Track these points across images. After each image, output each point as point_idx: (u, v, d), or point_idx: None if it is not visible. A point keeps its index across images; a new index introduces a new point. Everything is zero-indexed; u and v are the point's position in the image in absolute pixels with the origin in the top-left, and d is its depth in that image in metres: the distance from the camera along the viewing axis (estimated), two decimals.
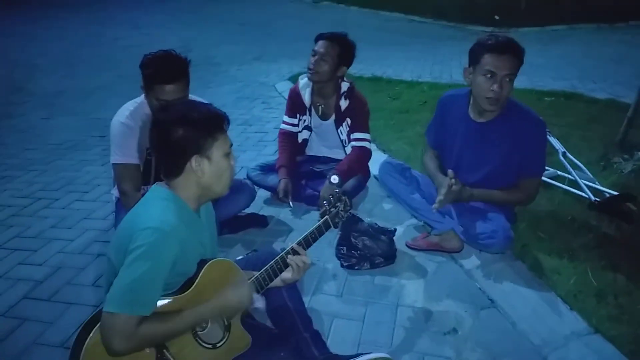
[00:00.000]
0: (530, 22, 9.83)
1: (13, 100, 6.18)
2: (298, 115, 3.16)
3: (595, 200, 2.72)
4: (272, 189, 3.10)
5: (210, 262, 1.65)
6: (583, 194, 2.85)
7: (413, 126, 4.30)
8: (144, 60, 2.33)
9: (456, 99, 2.50)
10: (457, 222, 2.54)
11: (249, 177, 3.15)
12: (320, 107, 3.10)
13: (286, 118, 3.21)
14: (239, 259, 2.08)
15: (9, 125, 5.26)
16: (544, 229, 2.69)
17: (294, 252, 1.83)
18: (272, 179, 3.10)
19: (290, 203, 2.98)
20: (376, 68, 6.76)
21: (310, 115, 3.13)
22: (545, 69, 6.37)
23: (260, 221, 2.95)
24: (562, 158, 3.18)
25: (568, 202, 2.94)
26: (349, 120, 3.05)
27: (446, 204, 2.37)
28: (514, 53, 2.17)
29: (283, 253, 1.83)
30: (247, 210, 2.97)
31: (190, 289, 1.59)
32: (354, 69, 6.58)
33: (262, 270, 1.79)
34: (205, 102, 1.70)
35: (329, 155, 3.24)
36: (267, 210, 3.13)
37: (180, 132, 1.53)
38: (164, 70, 2.28)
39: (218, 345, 1.68)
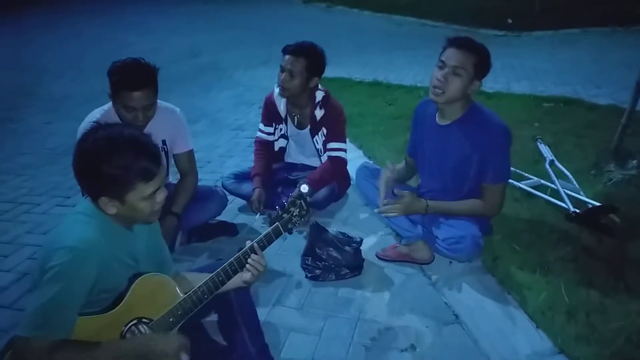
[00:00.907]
0: (544, 26, 9.60)
1: (18, 104, 6.28)
2: (274, 124, 3.11)
3: (574, 211, 2.60)
4: (247, 198, 3.05)
5: (141, 277, 1.61)
6: (564, 205, 2.73)
7: (403, 133, 4.20)
8: (112, 68, 2.35)
9: (428, 105, 2.44)
10: (427, 231, 2.46)
11: (223, 186, 3.11)
12: (295, 116, 3.05)
13: (262, 126, 3.16)
14: (199, 267, 2.04)
15: (10, 129, 5.34)
16: (520, 241, 2.58)
17: (253, 252, 1.77)
18: (246, 187, 3.05)
19: (259, 214, 2.93)
20: (379, 72, 6.68)
21: (286, 124, 3.09)
22: (549, 74, 6.19)
23: (230, 230, 2.91)
24: (547, 166, 3.07)
25: (549, 212, 2.83)
26: (324, 130, 2.99)
27: (401, 215, 2.32)
28: (469, 50, 2.14)
29: (240, 253, 1.76)
30: (220, 218, 2.93)
31: (119, 306, 1.54)
32: (357, 74, 6.58)
33: (217, 271, 1.72)
34: (148, 137, 1.55)
35: (306, 163, 3.19)
36: (240, 219, 3.08)
37: (93, 171, 1.44)
38: (131, 77, 2.29)
39: None
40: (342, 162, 3.01)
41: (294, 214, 1.92)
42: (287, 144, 3.16)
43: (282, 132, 3.11)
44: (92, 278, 1.46)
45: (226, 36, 10.57)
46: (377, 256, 2.61)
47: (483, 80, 2.21)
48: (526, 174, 3.17)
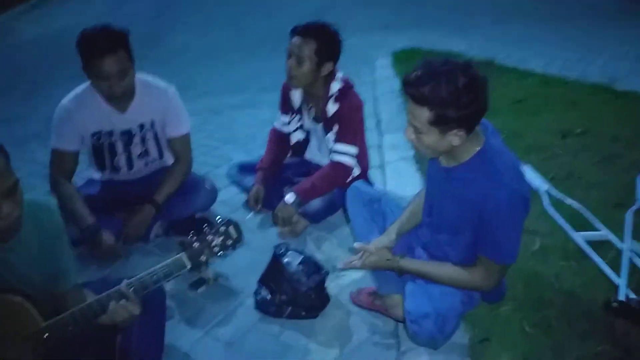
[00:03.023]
0: None
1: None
2: (290, 113, 2.71)
3: (619, 301, 1.83)
4: (248, 192, 2.74)
5: None
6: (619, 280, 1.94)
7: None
8: (78, 38, 2.21)
9: None
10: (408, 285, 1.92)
11: (228, 175, 2.85)
12: (311, 108, 2.61)
13: (279, 114, 2.78)
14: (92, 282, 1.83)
15: None
16: (537, 320, 1.90)
17: (121, 297, 1.50)
18: (249, 181, 2.74)
19: (252, 213, 2.60)
20: (502, 50, 5.58)
21: (302, 115, 2.66)
22: None
23: None
24: (629, 215, 2.23)
25: (600, 285, 2.04)
26: (336, 128, 2.51)
27: (366, 269, 1.83)
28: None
29: (108, 292, 1.49)
30: (219, 209, 2.73)
31: None
32: (474, 50, 5.64)
33: (68, 312, 1.49)
34: None
35: (322, 163, 2.73)
36: (239, 214, 2.79)
37: None
38: (99, 42, 2.17)
39: None
40: (346, 168, 2.52)
41: (214, 243, 1.56)
42: (305, 137, 2.75)
43: (300, 123, 2.69)
44: None
45: None
46: (350, 297, 2.15)
47: None
48: (595, 221, 2.33)
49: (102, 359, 1.70)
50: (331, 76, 2.47)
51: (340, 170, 2.50)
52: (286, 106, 2.71)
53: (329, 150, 2.58)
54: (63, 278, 1.62)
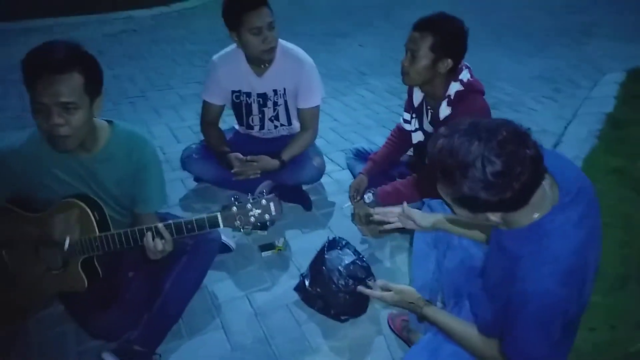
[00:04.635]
0: None
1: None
2: (411, 112, 2.54)
3: None
4: None
5: (64, 199, 1.75)
6: None
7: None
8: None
9: None
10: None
11: (347, 158, 2.85)
12: (429, 110, 2.40)
13: (404, 111, 2.62)
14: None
15: None
16: None
17: (157, 233, 1.67)
18: (358, 169, 2.68)
19: (348, 203, 2.56)
20: None
21: (421, 115, 2.47)
22: None
23: (305, 202, 2.71)
24: None
25: None
26: None
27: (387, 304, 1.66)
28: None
29: (149, 226, 1.67)
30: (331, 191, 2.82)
31: (39, 213, 1.74)
32: None
33: (126, 230, 1.69)
34: None
35: None
36: (339, 199, 2.79)
37: None
38: None
39: (51, 271, 1.81)
40: None
41: (251, 213, 1.65)
42: (425, 139, 2.55)
43: (419, 124, 2.51)
44: (9, 177, 1.69)
45: None
46: (387, 318, 2.00)
47: None
48: None
49: (140, 286, 1.92)
50: (452, 75, 2.21)
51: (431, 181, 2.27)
52: (409, 103, 2.54)
53: None
54: (142, 203, 1.86)
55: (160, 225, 1.66)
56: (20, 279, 1.81)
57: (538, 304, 1.19)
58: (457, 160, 1.10)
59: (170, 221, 1.67)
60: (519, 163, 1.07)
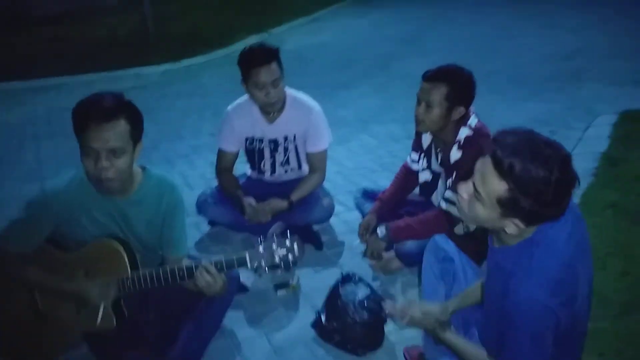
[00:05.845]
0: None
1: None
2: (419, 152, 2.69)
3: None
4: None
5: (97, 239, 1.85)
6: None
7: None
8: (241, 54, 2.63)
9: None
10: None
11: (354, 198, 2.97)
12: (439, 153, 2.55)
13: (412, 151, 2.77)
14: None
15: None
16: None
17: (206, 271, 1.77)
18: (366, 208, 2.81)
19: (358, 241, 2.65)
20: None
21: (430, 156, 2.62)
22: None
23: (316, 242, 2.82)
24: None
25: None
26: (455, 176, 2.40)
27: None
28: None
29: (196, 264, 1.79)
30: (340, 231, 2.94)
31: (72, 253, 1.86)
32: None
33: (171, 267, 1.81)
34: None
35: None
36: (348, 238, 2.89)
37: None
38: (258, 53, 2.59)
39: (82, 310, 1.87)
40: (449, 220, 2.35)
41: (276, 253, 1.75)
42: (432, 179, 2.68)
43: (427, 164, 2.65)
44: (52, 216, 1.80)
45: (609, 40, 8.31)
46: (403, 351, 2.06)
47: None
48: None
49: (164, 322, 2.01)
50: (462, 121, 2.37)
51: (442, 219, 2.37)
52: (417, 144, 2.69)
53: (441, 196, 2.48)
54: (172, 246, 1.98)
55: (206, 263, 1.77)
56: (50, 318, 1.89)
57: (528, 314, 1.29)
58: (536, 170, 1.23)
59: (212, 260, 1.78)
60: (573, 185, 1.26)
